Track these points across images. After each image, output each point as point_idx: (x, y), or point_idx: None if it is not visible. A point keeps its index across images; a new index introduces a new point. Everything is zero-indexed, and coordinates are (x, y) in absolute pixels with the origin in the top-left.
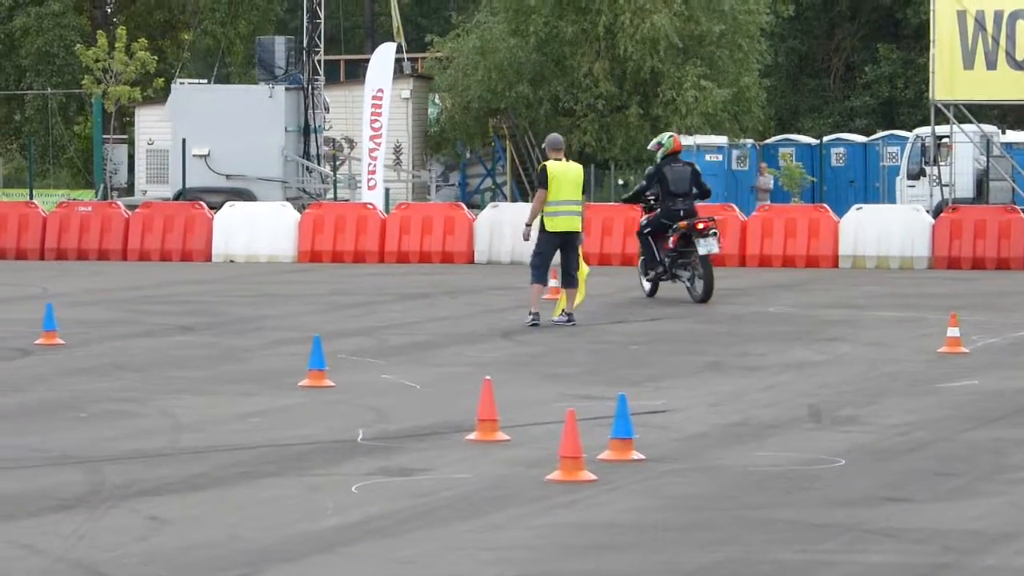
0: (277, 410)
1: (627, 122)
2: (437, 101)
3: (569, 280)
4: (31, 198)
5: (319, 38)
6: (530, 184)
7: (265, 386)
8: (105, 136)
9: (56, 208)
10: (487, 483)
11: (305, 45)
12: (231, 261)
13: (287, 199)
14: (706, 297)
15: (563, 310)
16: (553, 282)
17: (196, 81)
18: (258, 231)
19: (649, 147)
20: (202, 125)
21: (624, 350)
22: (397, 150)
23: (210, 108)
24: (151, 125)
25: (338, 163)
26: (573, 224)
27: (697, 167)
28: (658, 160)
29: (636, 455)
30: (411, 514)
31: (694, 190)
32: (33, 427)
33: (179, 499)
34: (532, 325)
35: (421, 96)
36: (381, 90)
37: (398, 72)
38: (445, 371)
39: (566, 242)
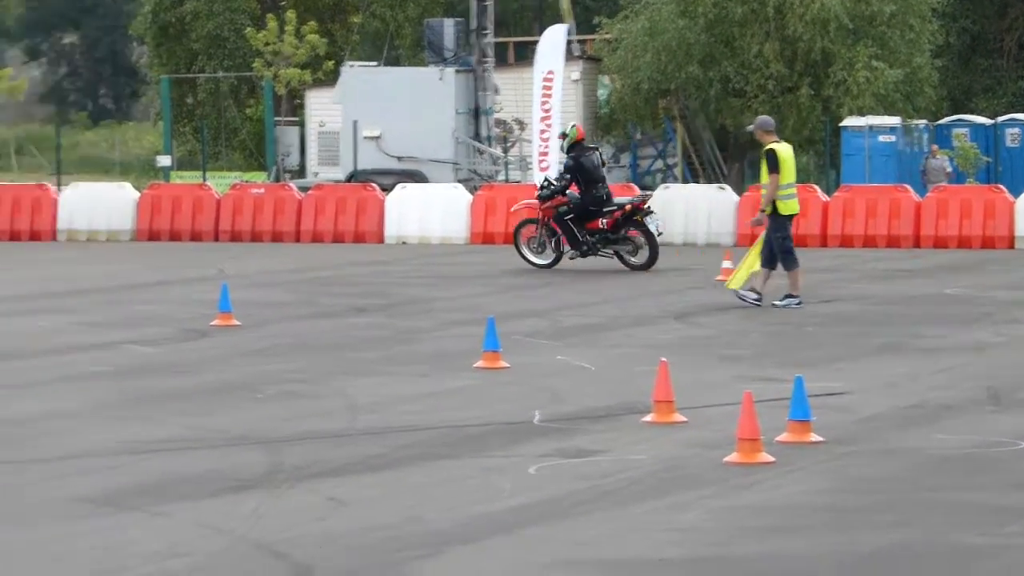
0: (452, 391)
1: (798, 103)
2: (607, 83)
3: (774, 261)
4: (204, 180)
5: (488, 20)
6: (701, 165)
7: (440, 367)
8: (276, 119)
9: (229, 190)
10: (664, 465)
11: (474, 27)
12: (403, 243)
13: (459, 181)
14: (652, 263)
15: (755, 289)
16: (726, 263)
17: (366, 63)
18: (430, 213)
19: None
20: (372, 107)
21: (800, 332)
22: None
23: (380, 90)
24: (322, 107)
25: (509, 145)
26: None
27: (600, 149)
28: (564, 150)
29: (814, 437)
30: (588, 495)
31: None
32: (211, 408)
33: (356, 480)
34: (798, 305)
35: (591, 78)
36: (551, 72)
37: (567, 54)
38: (619, 352)
39: None
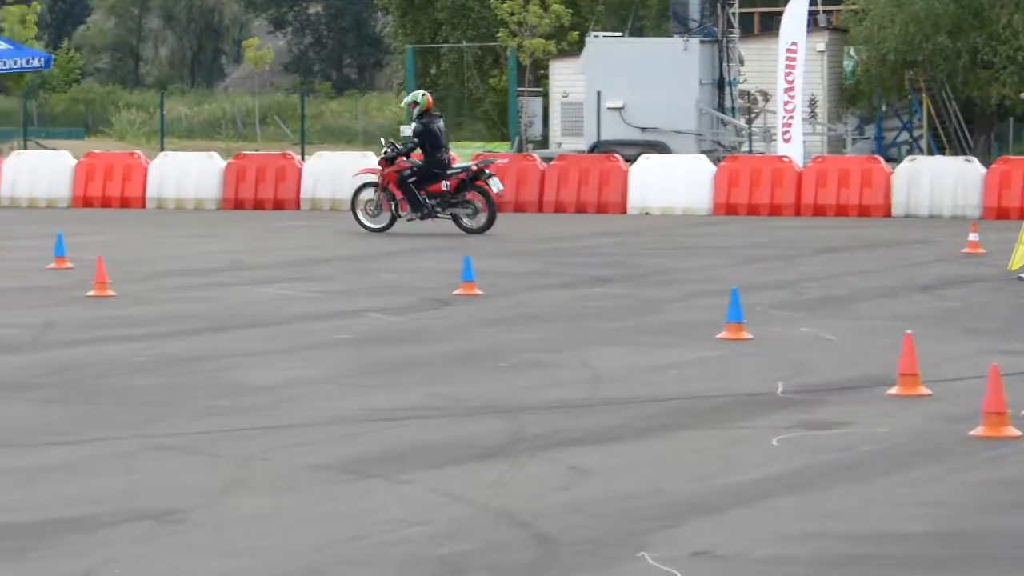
0: (695, 362)
1: None
2: (852, 54)
3: None
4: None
5: None
6: (946, 137)
7: (683, 338)
8: (520, 89)
9: (472, 160)
10: (909, 438)
11: None
12: (646, 213)
13: (702, 152)
14: (489, 226)
15: None
16: (972, 236)
17: (610, 34)
18: (673, 184)
19: (404, 103)
20: (616, 78)
21: None
22: (812, 103)
23: (624, 61)
24: (565, 78)
25: (753, 116)
26: None
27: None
28: (413, 117)
29: None
30: (832, 468)
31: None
32: (454, 376)
33: (598, 450)
34: None
35: (836, 49)
36: (795, 43)
37: (813, 25)
38: (863, 325)
39: None
